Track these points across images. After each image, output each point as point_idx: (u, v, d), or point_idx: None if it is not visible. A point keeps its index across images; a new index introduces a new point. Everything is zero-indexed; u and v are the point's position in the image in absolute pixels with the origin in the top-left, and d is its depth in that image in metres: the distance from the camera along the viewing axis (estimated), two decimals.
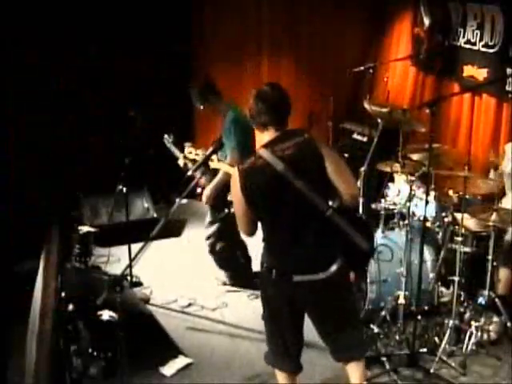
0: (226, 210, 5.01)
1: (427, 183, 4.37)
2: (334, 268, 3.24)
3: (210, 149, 3.70)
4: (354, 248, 3.27)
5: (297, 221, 3.19)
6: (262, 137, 3.28)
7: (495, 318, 4.56)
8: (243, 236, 3.75)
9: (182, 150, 5.17)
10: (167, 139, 5.37)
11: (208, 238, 5.38)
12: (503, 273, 4.71)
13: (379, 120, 5.23)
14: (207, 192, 5.00)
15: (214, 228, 5.31)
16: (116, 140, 5.62)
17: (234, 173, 3.21)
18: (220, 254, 5.34)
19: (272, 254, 3.30)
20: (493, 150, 5.35)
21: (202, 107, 5.15)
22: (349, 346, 3.44)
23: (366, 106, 5.32)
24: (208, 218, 5.40)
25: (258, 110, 3.21)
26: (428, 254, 4.80)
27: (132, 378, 3.82)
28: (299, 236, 3.20)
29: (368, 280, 4.60)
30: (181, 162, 5.21)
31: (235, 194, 3.22)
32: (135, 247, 4.57)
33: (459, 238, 4.50)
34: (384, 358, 4.22)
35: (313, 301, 3.32)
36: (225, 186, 4.81)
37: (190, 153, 4.31)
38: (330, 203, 3.23)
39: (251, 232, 3.34)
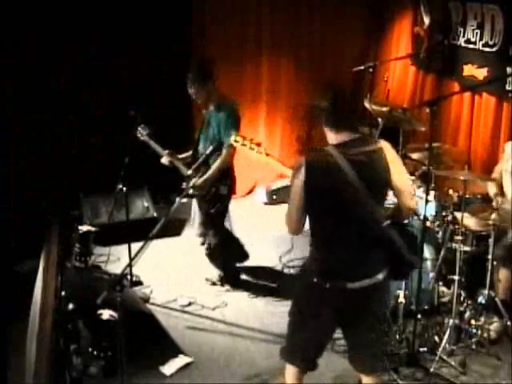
0: (219, 204, 5.03)
1: (427, 182, 4.37)
2: (381, 276, 3.22)
3: (210, 148, 3.70)
4: (400, 258, 3.24)
5: (355, 227, 3.13)
6: (332, 137, 3.19)
7: (495, 318, 4.56)
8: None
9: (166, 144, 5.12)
10: (141, 132, 5.24)
11: (201, 235, 5.35)
12: (503, 273, 4.70)
13: (379, 119, 5.23)
14: (200, 182, 4.91)
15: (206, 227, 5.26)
16: (116, 140, 5.62)
17: (299, 163, 3.11)
18: (214, 251, 5.26)
19: (326, 261, 3.20)
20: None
21: (195, 93, 5.03)
22: (375, 358, 3.41)
23: (367, 104, 5.33)
24: (198, 219, 5.38)
25: (337, 111, 3.15)
26: (428, 254, 4.80)
27: (132, 377, 3.83)
28: (355, 242, 3.15)
29: None
30: (165, 161, 5.14)
31: (296, 185, 3.12)
32: (135, 246, 4.57)
33: (459, 238, 4.49)
34: (384, 357, 4.21)
35: (359, 307, 3.24)
36: (217, 180, 4.88)
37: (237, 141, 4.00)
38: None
39: (298, 229, 3.22)
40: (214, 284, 5.46)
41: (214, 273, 5.45)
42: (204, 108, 5.18)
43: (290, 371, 3.47)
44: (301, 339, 3.37)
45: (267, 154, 3.60)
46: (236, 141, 3.71)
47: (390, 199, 4.97)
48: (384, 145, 3.19)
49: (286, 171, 3.67)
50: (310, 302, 3.30)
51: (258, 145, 3.67)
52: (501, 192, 4.80)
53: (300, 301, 3.39)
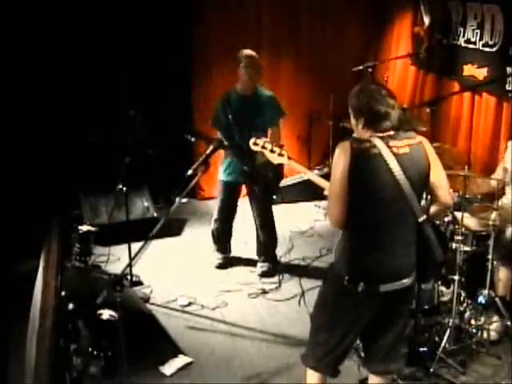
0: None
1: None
2: (413, 276, 3.18)
3: (211, 147, 3.70)
4: (431, 257, 3.20)
5: (394, 222, 3.07)
6: (373, 132, 3.12)
7: (495, 318, 4.56)
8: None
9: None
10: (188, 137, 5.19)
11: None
12: (503, 273, 4.70)
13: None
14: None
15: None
16: (116, 140, 5.62)
17: (344, 149, 3.01)
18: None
19: (360, 262, 3.10)
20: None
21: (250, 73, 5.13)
22: (392, 361, 3.37)
23: None
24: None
25: (376, 110, 3.08)
26: None
27: (132, 377, 3.82)
28: (393, 238, 3.09)
29: None
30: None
31: (339, 171, 3.01)
32: (135, 246, 4.57)
33: (459, 237, 4.49)
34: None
35: (387, 310, 3.19)
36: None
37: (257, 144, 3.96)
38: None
39: (342, 221, 3.07)
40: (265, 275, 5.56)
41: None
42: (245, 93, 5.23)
43: (314, 377, 3.40)
44: (327, 345, 3.28)
45: (289, 158, 3.55)
46: (255, 144, 3.67)
47: None
48: (422, 139, 3.17)
49: (308, 174, 3.63)
50: (339, 306, 3.22)
51: (281, 147, 3.61)
52: (502, 191, 4.79)
53: (328, 305, 3.29)
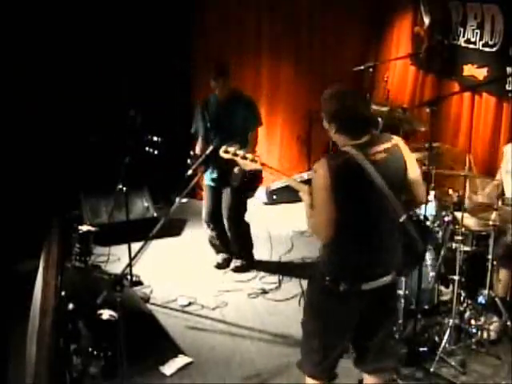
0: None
1: (427, 182, 4.36)
2: (394, 274, 3.20)
3: (210, 147, 3.70)
4: (412, 252, 3.23)
5: (377, 225, 3.12)
6: (348, 140, 3.12)
7: (495, 318, 4.56)
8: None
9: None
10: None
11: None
12: (503, 273, 4.71)
13: (379, 119, 5.23)
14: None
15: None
16: (116, 140, 5.62)
17: (322, 168, 3.03)
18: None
19: (342, 263, 3.14)
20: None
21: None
22: (384, 358, 3.38)
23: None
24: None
25: (351, 116, 3.09)
26: (428, 253, 4.79)
27: (132, 377, 3.83)
28: (376, 241, 3.12)
29: None
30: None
31: (321, 190, 3.04)
32: (135, 246, 4.57)
33: (459, 237, 4.49)
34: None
35: (372, 308, 3.20)
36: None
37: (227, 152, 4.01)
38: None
39: (331, 234, 3.08)
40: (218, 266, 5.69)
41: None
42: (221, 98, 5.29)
43: (313, 382, 3.39)
44: (320, 350, 3.28)
45: (263, 164, 3.58)
46: (226, 151, 3.70)
47: None
48: (397, 140, 3.20)
49: (284, 179, 3.65)
50: (325, 308, 3.23)
51: (254, 153, 3.62)
52: (502, 193, 4.80)
53: (314, 308, 3.31)
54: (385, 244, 3.15)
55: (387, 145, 3.13)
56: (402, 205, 3.15)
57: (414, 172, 3.22)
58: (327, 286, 3.14)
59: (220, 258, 5.77)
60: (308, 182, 3.39)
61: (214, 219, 5.59)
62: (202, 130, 5.37)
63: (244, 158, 3.54)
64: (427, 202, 3.42)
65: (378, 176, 3.02)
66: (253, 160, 3.54)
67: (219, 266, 5.74)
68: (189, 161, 5.11)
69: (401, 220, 3.13)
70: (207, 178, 5.46)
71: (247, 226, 5.67)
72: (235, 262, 5.72)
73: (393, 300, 3.40)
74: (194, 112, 5.49)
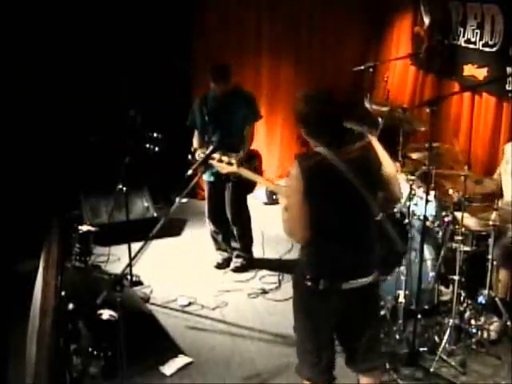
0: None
1: (427, 182, 4.36)
2: (375, 274, 3.21)
3: (211, 147, 3.70)
4: (391, 250, 3.25)
5: (352, 224, 3.12)
6: (320, 141, 3.12)
7: (495, 318, 4.56)
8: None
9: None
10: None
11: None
12: (503, 273, 4.70)
13: (379, 119, 5.23)
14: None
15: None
16: (116, 140, 5.62)
17: (295, 170, 3.03)
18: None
19: (320, 262, 3.15)
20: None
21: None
22: (374, 356, 3.37)
23: (367, 104, 5.32)
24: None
25: (320, 123, 3.09)
26: (428, 253, 4.80)
27: (132, 377, 3.83)
28: (352, 240, 3.13)
29: None
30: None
31: (294, 192, 3.04)
32: (135, 246, 4.57)
33: (459, 237, 4.49)
34: (382, 354, 4.20)
35: (355, 308, 3.21)
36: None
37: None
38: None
39: (306, 236, 3.11)
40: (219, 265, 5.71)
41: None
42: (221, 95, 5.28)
43: None
44: (313, 352, 3.28)
45: (239, 166, 3.58)
46: (202, 153, 3.71)
47: None
48: (371, 138, 3.20)
49: (261, 181, 3.68)
50: (308, 309, 3.24)
51: (230, 157, 3.64)
52: (500, 193, 4.80)
53: (300, 311, 3.31)
54: (362, 243, 3.15)
55: (360, 144, 3.14)
56: (379, 203, 3.15)
57: (388, 169, 3.21)
58: (308, 286, 3.16)
59: (220, 258, 5.77)
60: None
61: (216, 215, 5.61)
62: (200, 125, 5.37)
63: (220, 161, 3.56)
64: (399, 199, 3.39)
65: (352, 175, 3.02)
66: (229, 163, 3.55)
67: (219, 267, 5.74)
68: (189, 156, 5.12)
69: (377, 218, 3.13)
70: (208, 175, 5.45)
71: (249, 220, 5.69)
72: (235, 263, 5.72)
73: (375, 300, 3.40)
74: (193, 105, 5.49)
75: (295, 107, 3.15)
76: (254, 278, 5.59)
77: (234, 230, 5.66)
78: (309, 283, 3.15)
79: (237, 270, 5.68)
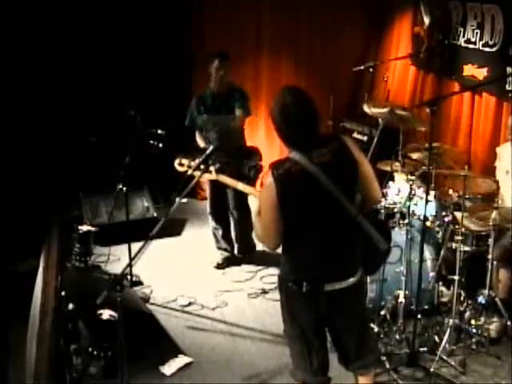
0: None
1: (427, 182, 4.36)
2: (360, 272, 3.21)
3: (210, 147, 3.69)
4: (374, 250, 3.23)
5: (330, 228, 3.11)
6: (292, 146, 3.13)
7: (495, 318, 4.56)
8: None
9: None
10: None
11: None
12: (503, 273, 4.70)
13: (379, 119, 5.23)
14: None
15: None
16: (116, 140, 5.62)
17: (267, 178, 3.05)
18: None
19: (301, 266, 3.16)
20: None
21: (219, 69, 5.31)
22: (366, 354, 3.37)
23: (366, 109, 5.30)
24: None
25: (291, 132, 3.10)
26: (428, 253, 4.80)
27: (132, 377, 3.82)
28: (331, 243, 3.13)
29: (368, 279, 4.59)
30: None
31: (267, 200, 3.06)
32: (135, 246, 4.57)
33: (459, 237, 4.49)
34: (384, 357, 4.21)
35: (341, 309, 3.21)
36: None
37: (182, 164, 4.09)
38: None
39: (279, 244, 3.15)
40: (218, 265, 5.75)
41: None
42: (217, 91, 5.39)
43: None
44: (303, 354, 3.29)
45: (217, 173, 3.59)
46: (181, 164, 3.72)
47: (390, 198, 5.02)
48: (345, 139, 3.17)
49: (241, 187, 3.70)
50: (293, 312, 3.25)
51: (206, 165, 3.66)
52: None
53: (286, 314, 3.32)
54: (341, 246, 3.15)
55: (333, 146, 3.11)
56: (356, 204, 3.14)
57: (365, 169, 3.18)
58: (292, 289, 3.17)
59: (220, 257, 5.77)
60: None
61: (218, 211, 5.66)
62: (198, 123, 5.42)
63: (198, 169, 3.58)
64: (378, 199, 3.37)
65: (326, 178, 3.00)
66: (206, 171, 3.58)
67: (219, 267, 5.74)
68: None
69: (356, 218, 3.12)
70: None
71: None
72: (238, 255, 5.83)
73: (361, 300, 3.40)
74: (190, 105, 5.54)
75: (270, 112, 3.18)
76: (254, 278, 5.58)
77: (236, 225, 5.71)
78: (292, 286, 3.16)
79: (241, 260, 5.78)
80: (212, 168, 3.60)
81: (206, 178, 3.68)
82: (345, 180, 3.09)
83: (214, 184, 5.52)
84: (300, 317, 3.24)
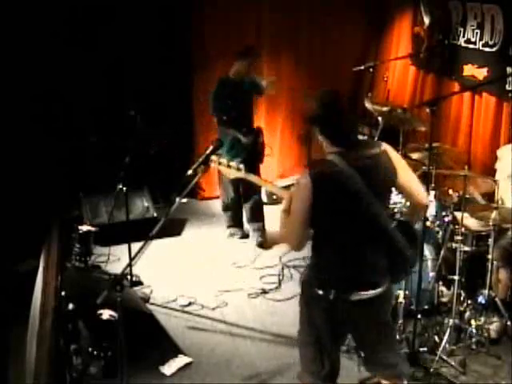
0: None
1: (427, 182, 4.36)
2: (387, 283, 3.16)
3: (210, 148, 3.70)
4: (402, 261, 3.19)
5: (360, 232, 3.06)
6: (332, 145, 3.07)
7: (495, 318, 4.56)
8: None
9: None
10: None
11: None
12: (503, 273, 4.70)
13: (379, 119, 5.23)
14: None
15: None
16: (116, 140, 5.62)
17: (304, 178, 2.99)
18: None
19: (330, 270, 3.11)
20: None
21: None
22: (396, 362, 3.33)
23: (367, 104, 5.32)
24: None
25: (335, 121, 3.04)
26: (428, 253, 4.80)
27: (132, 377, 3.82)
28: (361, 248, 3.08)
29: None
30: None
31: (301, 199, 3.01)
32: (135, 246, 4.57)
33: (459, 237, 4.50)
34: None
35: (365, 318, 3.17)
36: None
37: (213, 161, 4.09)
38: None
39: (303, 245, 3.12)
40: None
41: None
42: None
43: None
44: (316, 359, 3.25)
45: (247, 172, 3.57)
46: (211, 160, 3.71)
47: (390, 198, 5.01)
48: (386, 147, 3.13)
49: (269, 187, 3.69)
50: (316, 316, 3.20)
51: (238, 162, 3.65)
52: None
53: (306, 317, 3.28)
54: (370, 251, 3.10)
55: (374, 151, 3.07)
56: (388, 213, 3.11)
57: (407, 176, 3.15)
58: (316, 294, 3.13)
59: (234, 230, 6.35)
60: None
61: (237, 197, 6.17)
62: (223, 107, 5.77)
63: (228, 166, 3.57)
64: (424, 207, 3.38)
65: (363, 183, 2.97)
66: (238, 169, 3.56)
67: (243, 236, 6.33)
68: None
69: (387, 227, 3.09)
70: (228, 155, 5.67)
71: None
72: (256, 237, 6.25)
73: (385, 310, 3.31)
74: (210, 96, 5.84)
75: (310, 109, 3.10)
76: (254, 278, 5.59)
77: (249, 204, 6.19)
78: (318, 291, 3.12)
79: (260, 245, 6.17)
80: (242, 166, 3.58)
81: (234, 175, 3.66)
82: (380, 186, 3.05)
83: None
84: (318, 322, 3.19)
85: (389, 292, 3.24)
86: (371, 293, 3.09)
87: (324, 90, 3.15)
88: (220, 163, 3.60)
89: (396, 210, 4.94)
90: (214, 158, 3.60)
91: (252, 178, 3.64)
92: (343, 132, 3.05)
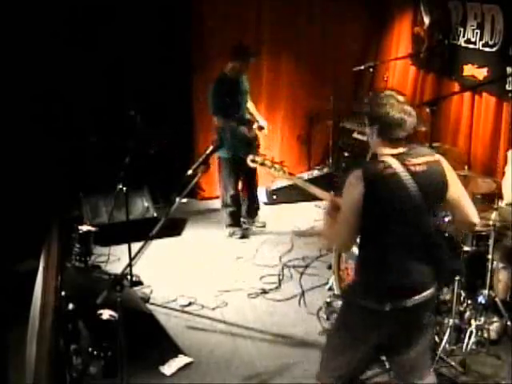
0: None
1: None
2: (434, 286, 3.12)
3: (210, 147, 3.70)
4: (444, 268, 3.13)
5: (410, 236, 3.01)
6: (387, 147, 3.03)
7: (495, 318, 4.55)
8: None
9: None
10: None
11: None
12: (503, 273, 4.70)
13: None
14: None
15: None
16: (116, 140, 5.62)
17: (356, 177, 2.93)
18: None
19: (384, 280, 3.03)
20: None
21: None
22: (426, 367, 3.31)
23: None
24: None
25: (396, 122, 2.98)
26: None
27: (132, 377, 3.82)
28: (412, 257, 3.03)
29: None
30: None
31: (352, 200, 2.94)
32: (135, 246, 4.57)
33: (459, 237, 4.49)
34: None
35: (413, 322, 3.12)
36: None
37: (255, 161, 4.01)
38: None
39: (351, 246, 3.10)
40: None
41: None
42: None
43: None
44: (347, 366, 3.19)
45: (290, 174, 3.53)
46: (254, 161, 3.65)
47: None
48: (440, 157, 3.09)
49: (312, 190, 3.61)
50: (363, 326, 3.11)
51: (281, 163, 3.62)
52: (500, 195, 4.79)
53: (350, 325, 3.17)
54: (419, 256, 3.04)
55: (428, 158, 3.03)
56: (435, 222, 3.07)
57: (458, 190, 3.11)
58: (369, 307, 3.04)
59: (235, 229, 6.34)
60: (311, 181, 3.39)
61: (237, 192, 6.25)
62: (223, 105, 5.83)
63: (272, 167, 3.55)
64: (473, 224, 3.24)
65: (416, 188, 2.93)
66: (281, 170, 3.54)
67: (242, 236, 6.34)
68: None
69: (432, 234, 3.05)
70: (230, 151, 5.89)
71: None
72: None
73: (429, 314, 3.23)
74: (208, 94, 5.91)
75: (370, 108, 3.06)
76: (254, 278, 5.58)
77: (251, 198, 6.45)
78: (369, 303, 3.04)
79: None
80: (285, 168, 3.56)
81: (278, 176, 3.64)
82: (432, 194, 3.01)
83: (236, 165, 5.98)
84: (360, 332, 3.12)
85: (435, 295, 3.21)
86: (423, 295, 3.05)
87: (387, 90, 3.11)
88: (263, 164, 3.57)
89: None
90: (257, 158, 3.57)
91: (296, 181, 3.61)
92: (402, 134, 3.01)
